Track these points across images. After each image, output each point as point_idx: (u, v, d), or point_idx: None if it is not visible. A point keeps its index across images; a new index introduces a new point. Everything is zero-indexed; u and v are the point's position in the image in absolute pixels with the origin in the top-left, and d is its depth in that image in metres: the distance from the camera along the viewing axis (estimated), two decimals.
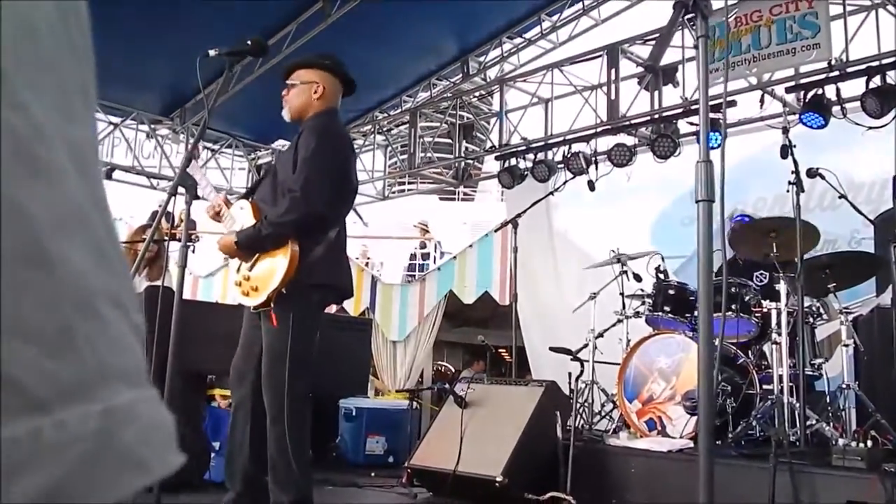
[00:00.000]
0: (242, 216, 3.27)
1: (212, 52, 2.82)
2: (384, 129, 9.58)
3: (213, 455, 4.36)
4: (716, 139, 6.12)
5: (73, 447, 0.28)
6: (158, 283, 4.57)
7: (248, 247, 3.15)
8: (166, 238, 4.66)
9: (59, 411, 0.28)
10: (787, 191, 4.18)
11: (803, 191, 4.21)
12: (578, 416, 4.88)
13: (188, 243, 3.03)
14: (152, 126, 9.08)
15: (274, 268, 3.12)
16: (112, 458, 0.30)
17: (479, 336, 6.92)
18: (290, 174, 3.16)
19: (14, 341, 0.27)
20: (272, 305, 3.07)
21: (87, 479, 0.29)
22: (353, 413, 5.88)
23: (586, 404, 5.14)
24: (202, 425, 4.39)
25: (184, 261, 2.71)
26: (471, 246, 9.34)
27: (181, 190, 2.82)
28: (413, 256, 12.13)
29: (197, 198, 3.04)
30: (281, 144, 10.18)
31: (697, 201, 1.85)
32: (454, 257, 10.00)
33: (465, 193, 19.94)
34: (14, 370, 0.27)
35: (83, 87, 0.35)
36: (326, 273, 3.20)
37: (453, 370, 11.43)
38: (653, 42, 6.63)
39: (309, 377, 3.12)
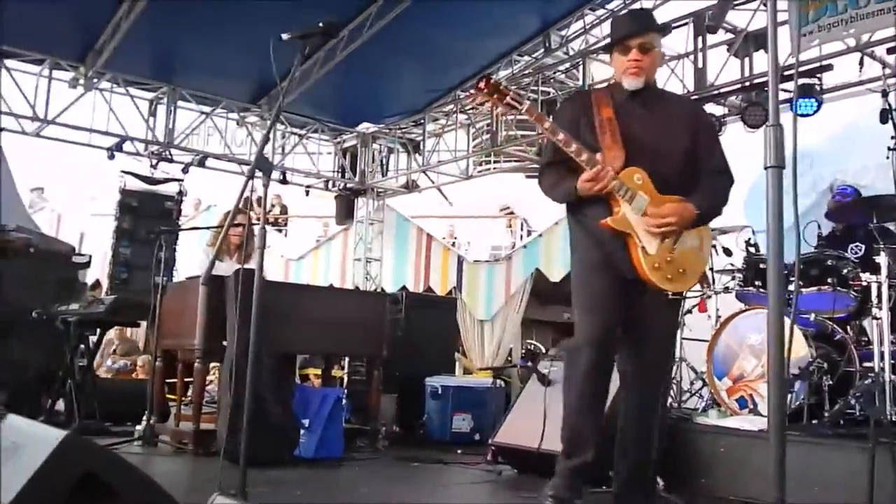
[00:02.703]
0: (643, 186, 2.94)
1: (284, 36, 2.85)
2: (466, 107, 9.54)
3: (301, 432, 4.48)
4: (809, 105, 5.86)
5: None
6: (248, 265, 4.71)
7: (703, 221, 3.02)
8: (256, 222, 4.80)
9: None
10: (887, 157, 3.95)
11: None
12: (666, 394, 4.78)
13: (276, 226, 3.10)
14: (241, 114, 9.33)
15: (700, 248, 3.03)
16: None
17: (566, 314, 6.82)
18: (687, 148, 3.03)
19: None
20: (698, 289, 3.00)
21: None
22: (440, 391, 5.92)
23: (674, 382, 5.03)
24: (291, 403, 4.50)
25: (263, 242, 2.78)
26: (556, 223, 9.22)
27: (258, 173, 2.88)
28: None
29: (271, 180, 3.10)
30: (365, 127, 10.28)
31: (766, 168, 1.77)
32: (540, 235, 9.93)
33: None
34: None
35: None
36: None
37: (543, 349, 11.39)
38: (741, 7, 6.36)
39: None
